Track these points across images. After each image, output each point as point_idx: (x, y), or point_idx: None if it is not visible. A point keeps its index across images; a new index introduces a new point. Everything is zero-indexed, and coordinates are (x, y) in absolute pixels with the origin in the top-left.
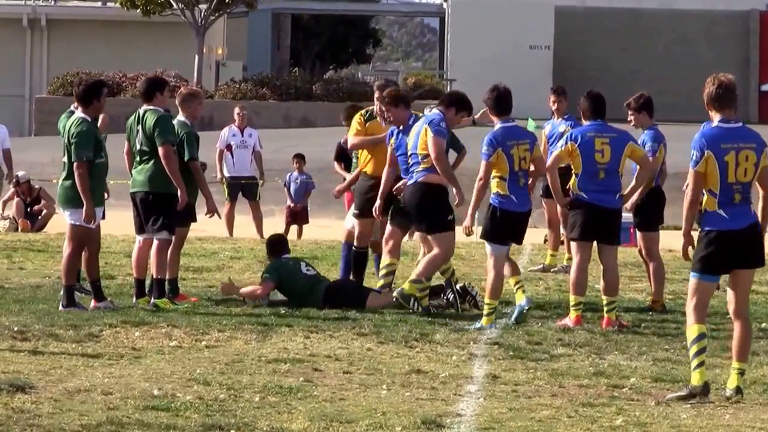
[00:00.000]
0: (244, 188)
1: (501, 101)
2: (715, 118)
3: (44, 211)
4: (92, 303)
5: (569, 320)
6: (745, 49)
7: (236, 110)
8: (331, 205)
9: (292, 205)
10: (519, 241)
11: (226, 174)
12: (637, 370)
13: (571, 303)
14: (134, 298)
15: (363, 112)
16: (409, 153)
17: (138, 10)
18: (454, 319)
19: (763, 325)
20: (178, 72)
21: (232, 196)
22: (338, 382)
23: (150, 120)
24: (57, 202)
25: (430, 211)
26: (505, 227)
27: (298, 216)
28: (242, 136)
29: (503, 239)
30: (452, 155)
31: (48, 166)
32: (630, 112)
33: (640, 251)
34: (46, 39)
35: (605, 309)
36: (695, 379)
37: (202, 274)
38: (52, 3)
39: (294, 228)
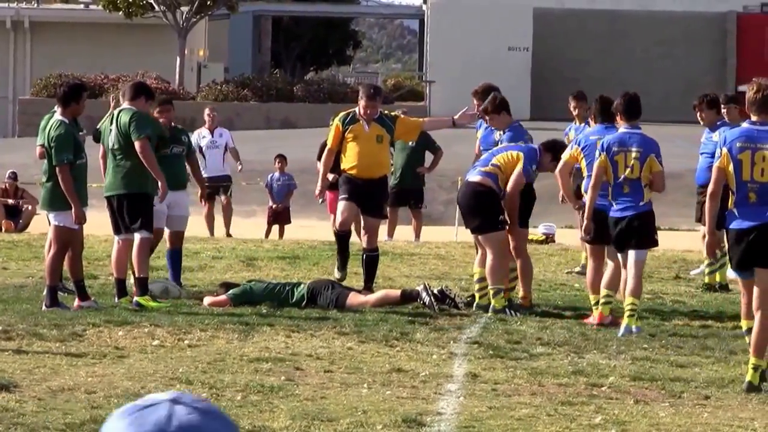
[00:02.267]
0: (217, 187)
1: (631, 106)
2: (751, 119)
3: (26, 208)
4: (76, 302)
5: (593, 318)
6: (722, 50)
7: (206, 111)
8: (313, 206)
9: (273, 205)
10: (621, 248)
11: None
12: (616, 369)
13: (592, 302)
14: (116, 298)
15: (343, 114)
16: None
17: (120, 13)
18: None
19: (742, 324)
20: (160, 74)
21: (207, 197)
22: (319, 381)
23: (124, 117)
24: (40, 204)
25: (481, 211)
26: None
27: (279, 216)
28: (212, 136)
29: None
30: (428, 156)
31: (31, 168)
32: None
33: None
34: (30, 41)
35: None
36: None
37: (185, 273)
38: (36, 6)
39: (276, 228)
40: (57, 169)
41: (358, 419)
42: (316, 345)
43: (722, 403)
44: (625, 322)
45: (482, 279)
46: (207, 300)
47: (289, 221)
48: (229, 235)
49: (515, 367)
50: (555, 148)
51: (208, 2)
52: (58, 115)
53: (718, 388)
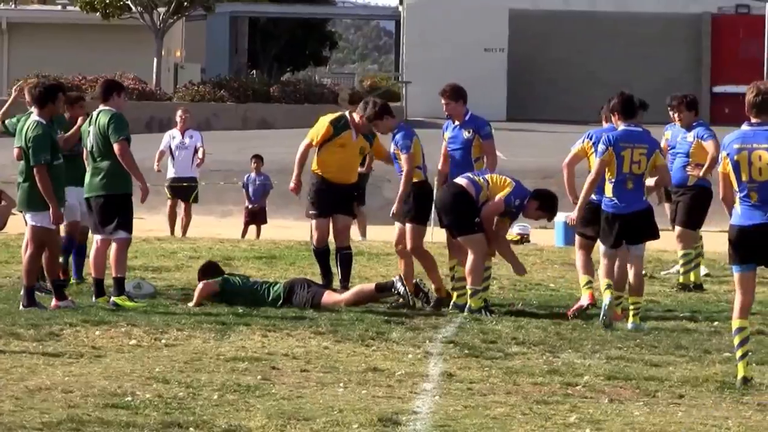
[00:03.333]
0: (182, 189)
1: (627, 105)
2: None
3: (2, 203)
4: (53, 302)
5: (584, 299)
6: (698, 51)
7: (178, 113)
8: (290, 206)
9: (250, 205)
10: (628, 242)
11: (169, 176)
12: (591, 368)
13: (582, 283)
14: (94, 298)
15: (335, 118)
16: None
17: (97, 14)
18: (412, 318)
19: (716, 323)
20: (137, 75)
21: (172, 197)
22: (296, 380)
23: (103, 119)
24: (17, 204)
25: (459, 211)
26: (607, 227)
27: (256, 216)
28: (182, 137)
29: (605, 239)
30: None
31: (8, 168)
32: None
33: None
34: (7, 42)
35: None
36: (738, 371)
37: (162, 273)
38: (13, 6)
39: (252, 228)
40: (34, 169)
41: (334, 418)
42: (292, 344)
43: (696, 401)
44: (631, 320)
45: (462, 278)
46: (198, 287)
47: (265, 221)
48: (183, 235)
49: (490, 367)
50: (543, 198)
51: (185, 3)
52: (34, 116)
53: (692, 387)
